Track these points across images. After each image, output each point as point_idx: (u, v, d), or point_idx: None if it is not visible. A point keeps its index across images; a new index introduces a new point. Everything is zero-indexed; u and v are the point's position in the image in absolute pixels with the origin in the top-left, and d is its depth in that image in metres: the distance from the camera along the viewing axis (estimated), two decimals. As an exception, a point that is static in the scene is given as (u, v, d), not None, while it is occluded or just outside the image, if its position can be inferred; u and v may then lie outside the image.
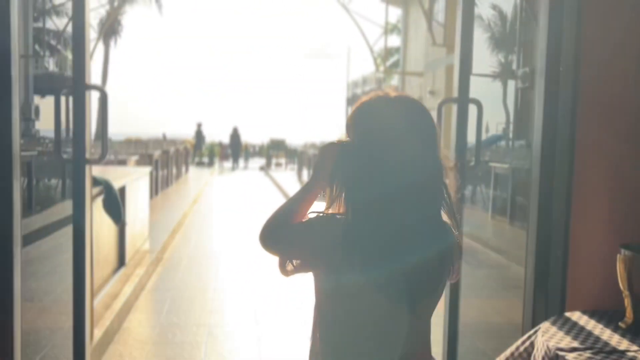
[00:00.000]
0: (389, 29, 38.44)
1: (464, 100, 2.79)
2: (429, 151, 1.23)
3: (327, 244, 1.19)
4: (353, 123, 1.25)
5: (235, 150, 24.06)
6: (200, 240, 7.73)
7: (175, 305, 4.77)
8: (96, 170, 5.64)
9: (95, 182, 3.84)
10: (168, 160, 13.62)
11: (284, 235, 1.24)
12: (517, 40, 3.55)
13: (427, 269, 1.19)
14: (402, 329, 1.19)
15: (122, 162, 7.96)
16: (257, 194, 13.94)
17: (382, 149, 1.20)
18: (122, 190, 4.79)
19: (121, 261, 4.82)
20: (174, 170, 15.70)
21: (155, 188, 11.72)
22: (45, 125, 2.73)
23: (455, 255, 1.27)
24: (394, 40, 36.29)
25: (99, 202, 3.92)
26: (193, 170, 20.41)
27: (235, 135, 24.07)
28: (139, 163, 9.46)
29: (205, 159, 24.06)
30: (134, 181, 5.30)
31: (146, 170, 6.01)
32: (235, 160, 24.15)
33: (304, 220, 1.25)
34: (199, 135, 25.12)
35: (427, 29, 22.39)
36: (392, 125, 1.23)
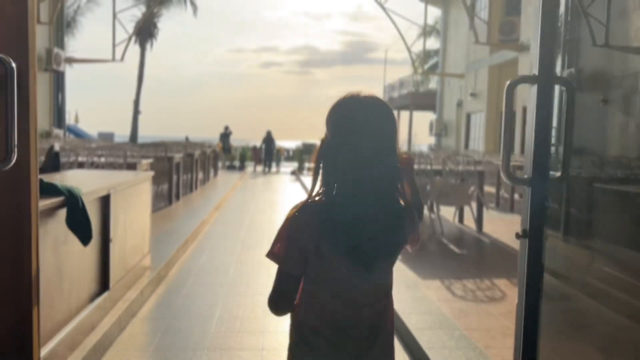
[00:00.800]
0: (426, 31, 37.37)
1: (546, 79, 1.85)
2: (388, 141, 1.49)
3: (307, 243, 1.47)
4: (328, 119, 1.51)
5: (268, 154, 23.53)
6: (214, 254, 6.91)
7: (166, 340, 3.94)
8: (89, 175, 4.91)
9: (55, 191, 3.04)
10: (192, 163, 12.93)
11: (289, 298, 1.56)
12: (562, 39, 2.67)
13: (382, 239, 1.47)
14: (361, 284, 1.49)
15: (132, 166, 7.23)
16: (285, 200, 13.11)
17: (349, 139, 1.45)
18: (106, 199, 3.99)
19: (103, 285, 4.01)
20: (200, 174, 15.04)
21: (177, 193, 11.03)
22: None
23: (409, 227, 1.54)
24: (432, 43, 35.16)
25: (61, 215, 3.11)
26: (223, 174, 19.77)
27: (268, 139, 23.51)
28: (154, 167, 8.72)
29: (237, 163, 23.42)
30: (125, 189, 4.50)
31: (145, 175, 5.21)
32: (268, 165, 23.53)
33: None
34: (225, 137, 24.65)
35: (469, 27, 21.21)
36: (358, 119, 1.46)
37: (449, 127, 24.88)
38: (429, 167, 8.36)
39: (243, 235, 8.20)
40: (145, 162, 7.66)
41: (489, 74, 18.99)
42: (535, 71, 1.89)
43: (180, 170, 11.17)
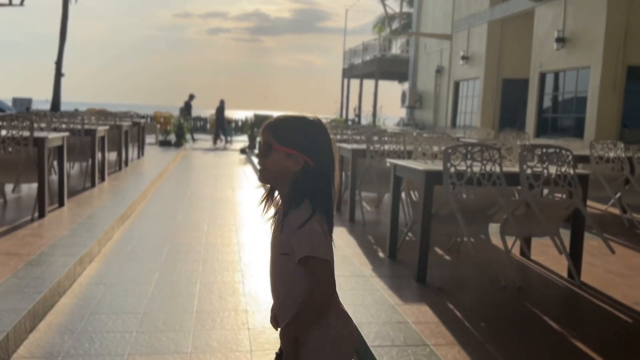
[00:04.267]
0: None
1: None
2: None
3: None
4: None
5: (219, 125, 21.37)
6: (78, 352, 2.99)
7: None
8: None
9: None
10: (94, 143, 8.80)
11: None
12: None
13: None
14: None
15: None
16: (232, 200, 9.23)
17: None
18: None
19: None
20: (114, 157, 10.94)
21: (59, 194, 6.95)
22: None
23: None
24: (396, 7, 31.47)
25: None
26: (153, 154, 15.54)
27: (219, 109, 21.24)
28: (12, 155, 4.69)
29: (172, 137, 19.13)
30: None
31: None
32: (218, 137, 21.40)
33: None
34: (187, 108, 22.33)
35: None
36: None
37: (426, 98, 21.31)
38: (496, 167, 4.59)
39: (152, 295, 4.26)
40: None
41: (489, 32, 15.37)
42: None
43: (64, 156, 7.05)
